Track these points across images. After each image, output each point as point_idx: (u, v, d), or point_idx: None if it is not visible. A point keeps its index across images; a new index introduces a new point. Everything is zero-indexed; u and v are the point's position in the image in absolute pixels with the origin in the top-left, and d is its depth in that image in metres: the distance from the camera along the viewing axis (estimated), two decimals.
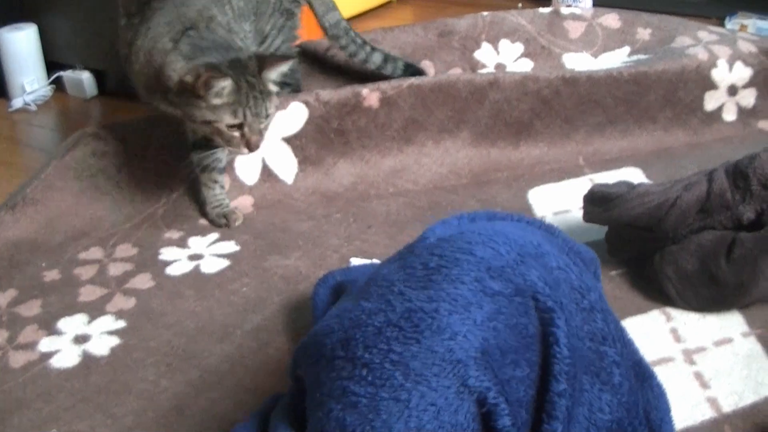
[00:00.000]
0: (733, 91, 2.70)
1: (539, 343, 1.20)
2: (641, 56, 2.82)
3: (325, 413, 1.18)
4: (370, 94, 2.49)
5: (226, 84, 1.95)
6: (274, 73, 2.08)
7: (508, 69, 2.83)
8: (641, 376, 1.42)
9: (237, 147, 2.07)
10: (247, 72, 2.01)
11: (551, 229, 1.50)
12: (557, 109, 2.60)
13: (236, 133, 2.04)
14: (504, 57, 2.85)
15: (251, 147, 2.07)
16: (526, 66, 2.85)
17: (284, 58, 2.14)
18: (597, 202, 1.99)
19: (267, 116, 2.07)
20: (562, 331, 1.19)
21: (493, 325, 1.17)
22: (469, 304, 1.17)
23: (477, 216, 1.51)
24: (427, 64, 2.79)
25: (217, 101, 1.98)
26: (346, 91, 2.49)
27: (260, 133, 2.08)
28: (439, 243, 1.31)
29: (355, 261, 1.93)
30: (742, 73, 2.70)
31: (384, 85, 2.50)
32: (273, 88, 2.09)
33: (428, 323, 1.16)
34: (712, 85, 2.68)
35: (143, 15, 2.13)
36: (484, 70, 2.81)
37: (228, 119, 2.01)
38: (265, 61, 2.06)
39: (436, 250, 1.27)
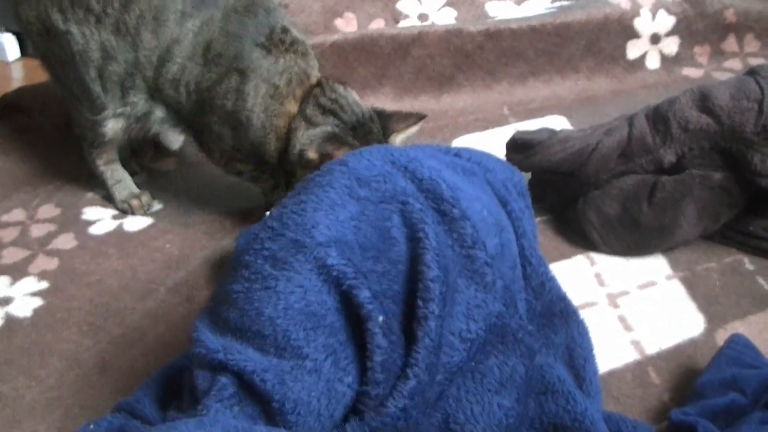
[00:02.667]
0: (655, 39, 2.72)
1: (406, 245, 1.25)
2: (564, 2, 2.83)
3: (216, 319, 1.25)
4: None
5: None
6: (400, 138, 1.85)
7: (431, 19, 2.82)
8: (564, 311, 1.44)
9: None
10: (372, 137, 1.80)
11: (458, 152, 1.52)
12: (479, 63, 2.61)
13: None
14: (427, 7, 2.82)
15: None
16: (449, 15, 2.83)
17: (414, 117, 1.85)
18: (519, 149, 1.99)
19: None
20: (430, 228, 1.24)
21: (355, 224, 1.23)
22: (334, 205, 1.24)
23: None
24: (349, 17, 2.77)
25: None
26: None
27: None
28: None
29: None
30: (665, 21, 2.71)
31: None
32: None
33: (294, 219, 1.23)
34: (634, 34, 2.69)
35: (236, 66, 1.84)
36: (406, 21, 2.79)
37: None
38: (390, 123, 1.83)
39: (323, 167, 1.34)
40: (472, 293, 1.27)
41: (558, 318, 1.43)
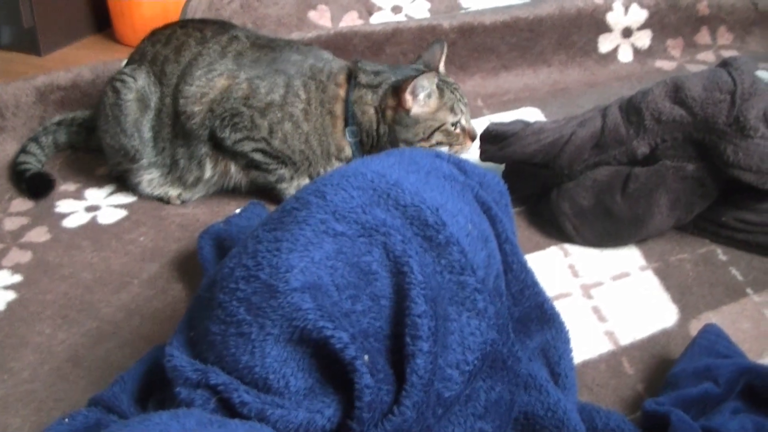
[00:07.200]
0: (627, 33, 2.73)
1: (390, 279, 1.23)
2: None
3: (196, 353, 1.24)
4: None
5: (432, 78, 1.98)
6: (441, 66, 2.14)
7: (405, 10, 2.82)
8: (541, 319, 1.44)
9: (462, 143, 2.06)
10: None
11: (455, 161, 1.52)
12: (452, 58, 2.62)
13: (458, 131, 2.04)
14: None
15: (473, 137, 2.09)
16: (422, 7, 2.83)
17: (439, 46, 2.16)
18: (493, 140, 2.00)
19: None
20: (415, 261, 1.22)
21: (332, 263, 1.22)
22: (310, 244, 1.22)
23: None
24: (323, 9, 2.76)
25: (432, 104, 2.01)
26: None
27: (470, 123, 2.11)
28: (305, 186, 1.36)
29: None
30: (637, 15, 2.73)
31: None
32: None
33: (269, 260, 1.20)
34: (606, 28, 2.71)
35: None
36: (379, 13, 2.79)
37: (450, 118, 2.02)
38: (430, 61, 2.13)
39: (299, 193, 1.32)
40: (464, 321, 1.25)
41: (535, 324, 1.43)
